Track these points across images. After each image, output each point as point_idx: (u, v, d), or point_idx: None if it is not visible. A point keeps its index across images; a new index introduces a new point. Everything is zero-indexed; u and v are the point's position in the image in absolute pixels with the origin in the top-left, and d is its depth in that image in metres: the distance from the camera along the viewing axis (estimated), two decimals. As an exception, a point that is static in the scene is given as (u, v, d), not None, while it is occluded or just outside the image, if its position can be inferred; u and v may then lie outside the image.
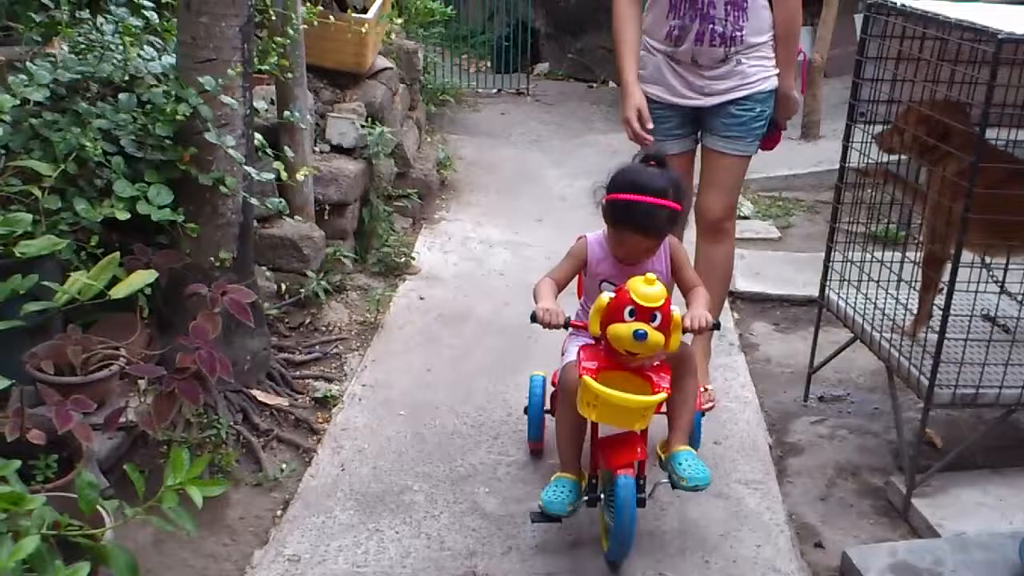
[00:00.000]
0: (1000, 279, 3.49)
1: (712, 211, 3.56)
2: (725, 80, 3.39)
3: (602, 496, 2.84)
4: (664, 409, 2.91)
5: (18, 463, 2.22)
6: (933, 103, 3.17)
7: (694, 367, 2.91)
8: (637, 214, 2.77)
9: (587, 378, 2.62)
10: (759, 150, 3.58)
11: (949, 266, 2.94)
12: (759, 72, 3.41)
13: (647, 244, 2.84)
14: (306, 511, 3.00)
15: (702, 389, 3.52)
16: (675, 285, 3.03)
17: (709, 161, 3.54)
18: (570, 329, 2.85)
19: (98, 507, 2.28)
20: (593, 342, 2.77)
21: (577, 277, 3.07)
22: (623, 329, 2.60)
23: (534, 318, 2.77)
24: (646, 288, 2.61)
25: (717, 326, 2.85)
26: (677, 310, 2.66)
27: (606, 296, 2.66)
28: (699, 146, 3.61)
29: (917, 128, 3.18)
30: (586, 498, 2.84)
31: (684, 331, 2.71)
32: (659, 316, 2.60)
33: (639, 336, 2.57)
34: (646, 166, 2.86)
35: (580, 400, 2.69)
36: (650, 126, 3.36)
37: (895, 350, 3.16)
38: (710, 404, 3.64)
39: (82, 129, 3.01)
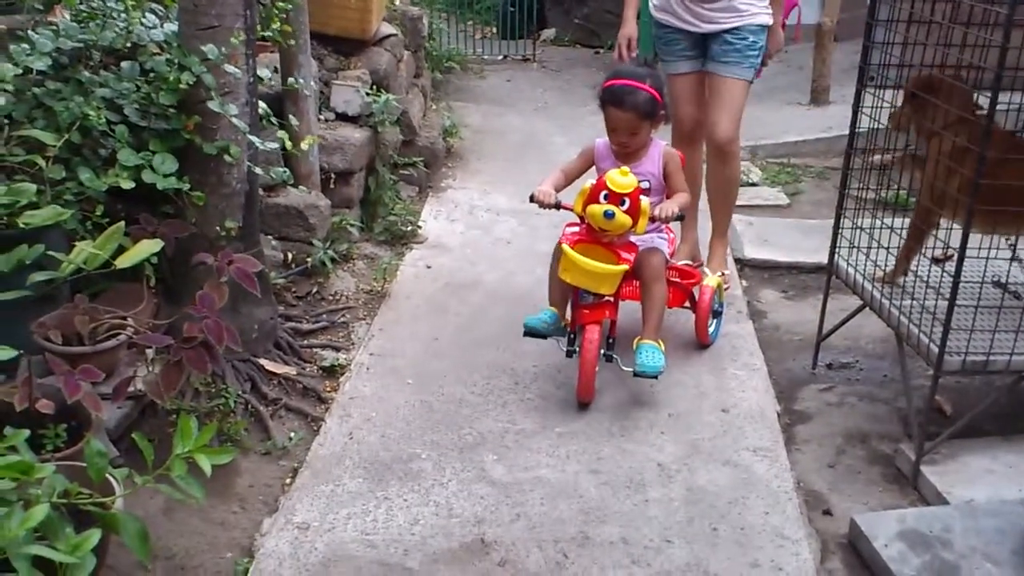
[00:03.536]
0: (1012, 245, 3.46)
1: (716, 130, 4.09)
2: (721, 13, 4.01)
3: (578, 348, 3.36)
4: (686, 304, 3.77)
5: (27, 432, 2.23)
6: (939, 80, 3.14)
7: (660, 273, 3.45)
8: (614, 90, 3.44)
9: (564, 246, 3.27)
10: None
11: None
12: (751, 8, 4.00)
13: (626, 117, 3.40)
14: (315, 479, 3.01)
15: (721, 273, 4.07)
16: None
17: (712, 85, 4.13)
18: (560, 209, 3.43)
19: (108, 475, 2.29)
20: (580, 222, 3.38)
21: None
22: (596, 209, 3.20)
23: (532, 198, 3.43)
24: (619, 177, 3.20)
25: (681, 217, 3.45)
26: (646, 200, 3.23)
27: (589, 183, 3.27)
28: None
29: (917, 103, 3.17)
30: (567, 349, 3.42)
31: (652, 219, 3.30)
32: (628, 201, 3.19)
33: (608, 215, 3.18)
34: (636, 64, 3.67)
35: (561, 265, 3.29)
36: (634, 55, 4.12)
37: (905, 317, 3.14)
38: (727, 286, 4.16)
39: (85, 98, 3.00)
